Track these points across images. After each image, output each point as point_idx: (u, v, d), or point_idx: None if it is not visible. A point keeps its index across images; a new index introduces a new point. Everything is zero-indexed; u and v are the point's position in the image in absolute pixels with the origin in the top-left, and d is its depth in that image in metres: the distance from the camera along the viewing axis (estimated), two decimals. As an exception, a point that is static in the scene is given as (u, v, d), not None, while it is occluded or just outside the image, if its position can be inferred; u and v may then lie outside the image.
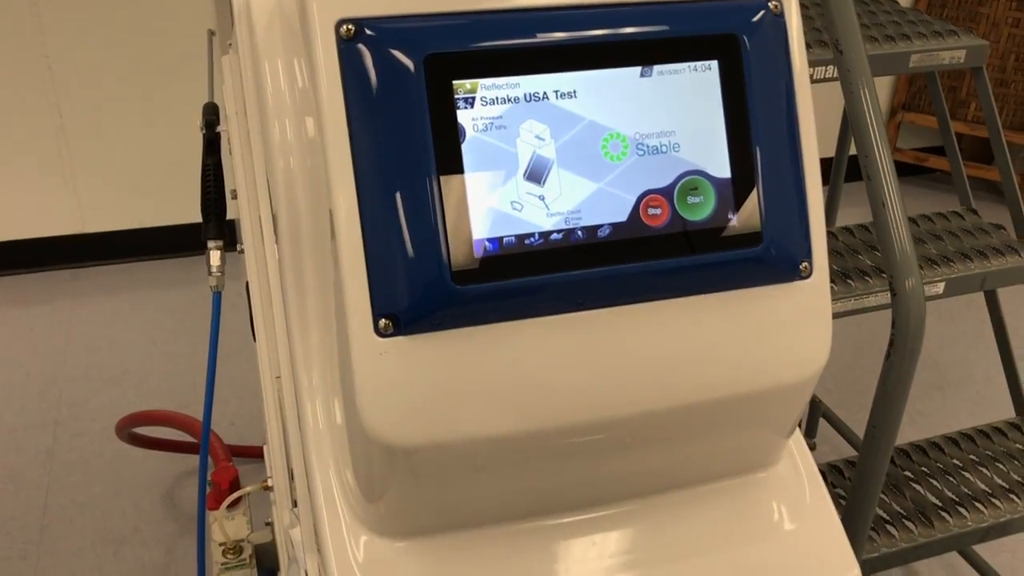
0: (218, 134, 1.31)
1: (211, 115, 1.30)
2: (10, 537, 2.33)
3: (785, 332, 0.81)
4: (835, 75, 1.59)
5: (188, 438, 2.48)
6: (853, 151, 2.24)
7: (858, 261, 1.69)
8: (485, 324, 0.74)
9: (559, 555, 0.83)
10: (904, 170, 3.66)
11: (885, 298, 1.61)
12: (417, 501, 0.79)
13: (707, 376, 0.79)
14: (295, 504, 1.10)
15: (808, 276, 0.80)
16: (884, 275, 1.62)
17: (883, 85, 3.73)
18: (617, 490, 0.85)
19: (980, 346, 2.99)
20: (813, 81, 1.53)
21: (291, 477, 1.10)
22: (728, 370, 0.79)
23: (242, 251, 1.31)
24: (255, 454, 2.38)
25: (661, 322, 0.77)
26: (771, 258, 0.78)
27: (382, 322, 0.72)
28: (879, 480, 1.32)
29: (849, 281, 1.61)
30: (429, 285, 0.71)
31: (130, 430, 2.29)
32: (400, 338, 0.72)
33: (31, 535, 2.34)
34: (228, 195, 1.33)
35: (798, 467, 0.91)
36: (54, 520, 2.38)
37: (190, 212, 3.31)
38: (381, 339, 0.72)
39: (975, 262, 1.68)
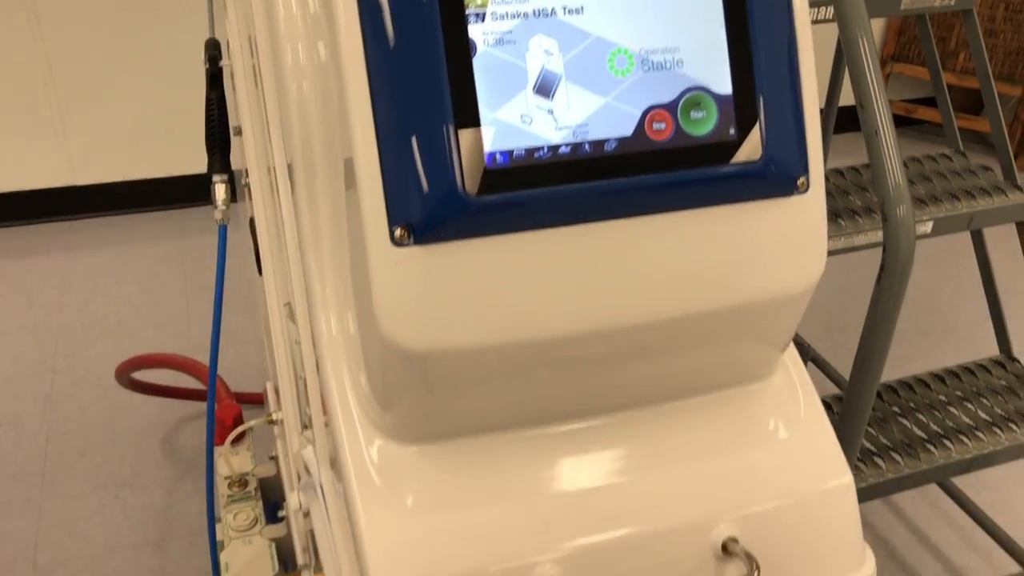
0: (220, 69, 1.32)
1: (213, 50, 1.31)
2: (13, 481, 2.36)
3: (782, 245, 0.84)
4: (827, 16, 1.61)
5: (186, 384, 2.51)
6: (842, 102, 2.27)
7: (848, 201, 1.73)
8: (496, 235, 0.76)
9: (564, 460, 0.87)
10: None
11: (875, 236, 1.64)
12: (430, 408, 0.82)
13: (708, 286, 0.82)
14: (305, 427, 1.13)
15: (805, 191, 0.83)
16: (874, 214, 1.66)
17: (873, 35, 3.75)
18: (619, 399, 0.88)
19: (965, 293, 3.05)
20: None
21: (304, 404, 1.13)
22: (728, 281, 0.82)
23: (247, 185, 1.33)
24: (253, 400, 2.41)
25: (664, 234, 0.80)
26: (770, 173, 0.81)
27: (398, 231, 0.74)
28: (867, 408, 1.37)
29: (839, 220, 1.64)
30: (443, 195, 0.74)
31: (129, 375, 2.32)
32: (415, 247, 0.75)
33: (33, 479, 2.37)
34: (232, 132, 1.35)
35: (792, 379, 0.94)
36: (55, 465, 2.41)
37: (182, 164, 3.32)
38: (397, 248, 0.75)
39: (963, 202, 1.72)
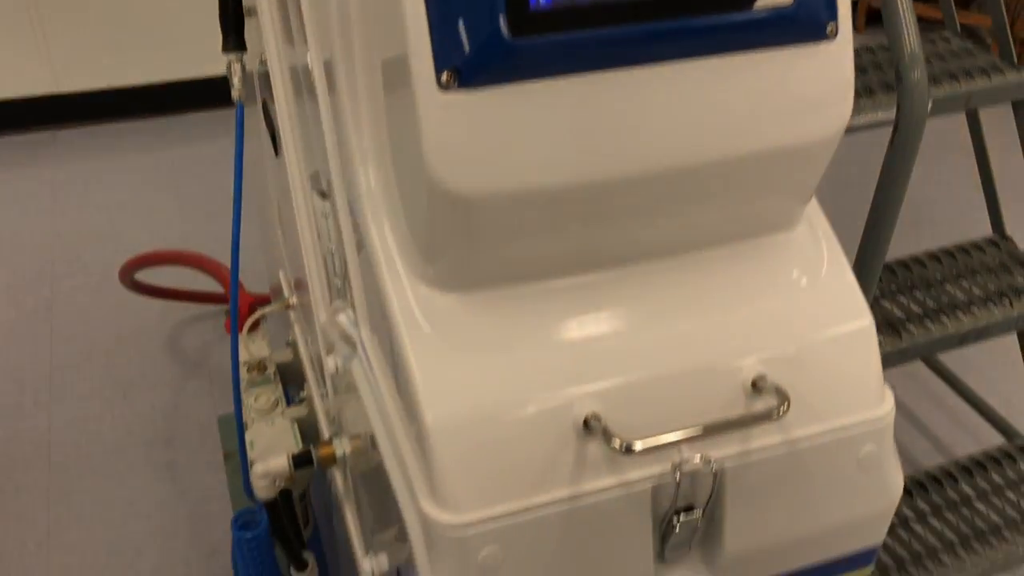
0: (230, -52, 1.31)
1: (222, -73, 1.29)
2: (21, 385, 2.39)
3: (811, 91, 0.86)
4: None
5: (187, 288, 2.52)
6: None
7: (849, 83, 1.74)
8: (539, 79, 0.78)
9: (600, 306, 0.90)
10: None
11: (874, 116, 1.66)
12: (473, 257, 0.85)
13: (739, 131, 0.84)
14: (335, 297, 1.16)
15: (834, 38, 0.85)
16: (874, 94, 1.67)
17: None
18: (650, 248, 0.91)
19: (952, 186, 3.09)
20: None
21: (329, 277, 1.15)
22: (758, 126, 0.84)
23: (263, 65, 1.32)
24: (260, 301, 2.43)
25: (698, 80, 0.82)
26: (801, 17, 0.82)
27: (444, 76, 0.76)
28: (874, 277, 1.41)
29: (841, 100, 1.66)
30: (488, 38, 0.75)
31: (133, 277, 2.33)
32: (462, 92, 0.76)
33: (41, 383, 2.40)
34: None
35: (815, 230, 0.98)
36: (61, 368, 2.44)
37: (169, 70, 3.27)
38: (444, 93, 0.76)
39: (961, 82, 1.74)
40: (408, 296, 0.86)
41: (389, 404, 0.91)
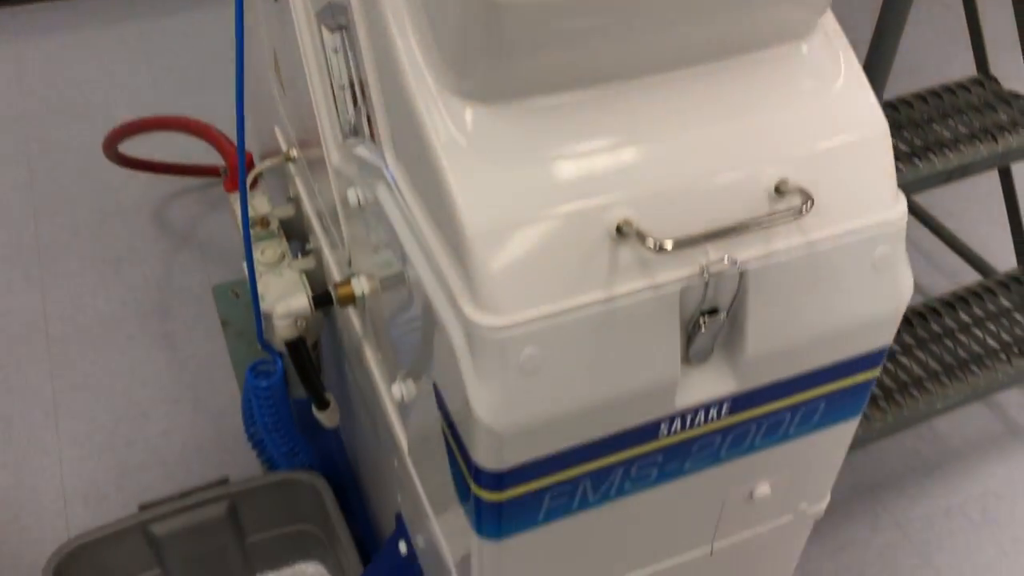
0: None
1: None
2: (9, 262, 2.38)
3: None
4: None
5: (172, 158, 2.49)
6: None
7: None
8: None
9: (629, 116, 0.91)
10: None
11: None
12: (502, 67, 0.85)
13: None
14: (348, 135, 1.16)
15: None
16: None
17: None
18: (674, 57, 0.92)
19: (928, 38, 3.11)
20: None
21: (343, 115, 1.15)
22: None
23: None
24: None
25: None
26: None
27: None
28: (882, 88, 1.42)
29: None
30: None
31: (117, 148, 2.30)
32: None
33: (29, 259, 2.39)
34: None
35: (831, 40, 0.99)
36: (49, 245, 2.42)
37: (130, -62, 3.14)
38: None
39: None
40: (440, 108, 0.86)
41: (422, 222, 0.92)
